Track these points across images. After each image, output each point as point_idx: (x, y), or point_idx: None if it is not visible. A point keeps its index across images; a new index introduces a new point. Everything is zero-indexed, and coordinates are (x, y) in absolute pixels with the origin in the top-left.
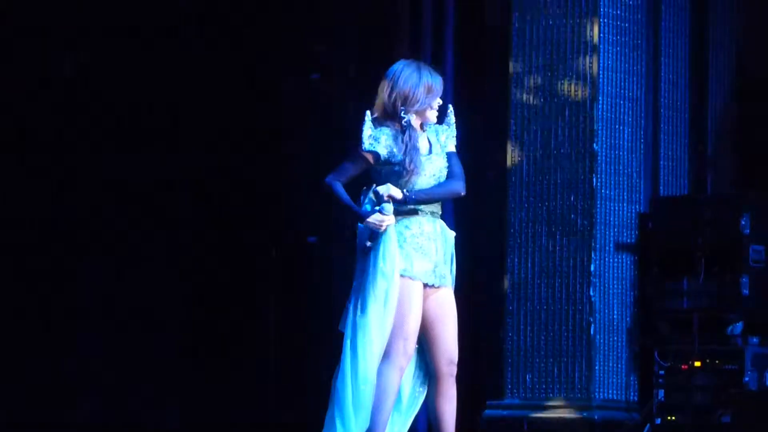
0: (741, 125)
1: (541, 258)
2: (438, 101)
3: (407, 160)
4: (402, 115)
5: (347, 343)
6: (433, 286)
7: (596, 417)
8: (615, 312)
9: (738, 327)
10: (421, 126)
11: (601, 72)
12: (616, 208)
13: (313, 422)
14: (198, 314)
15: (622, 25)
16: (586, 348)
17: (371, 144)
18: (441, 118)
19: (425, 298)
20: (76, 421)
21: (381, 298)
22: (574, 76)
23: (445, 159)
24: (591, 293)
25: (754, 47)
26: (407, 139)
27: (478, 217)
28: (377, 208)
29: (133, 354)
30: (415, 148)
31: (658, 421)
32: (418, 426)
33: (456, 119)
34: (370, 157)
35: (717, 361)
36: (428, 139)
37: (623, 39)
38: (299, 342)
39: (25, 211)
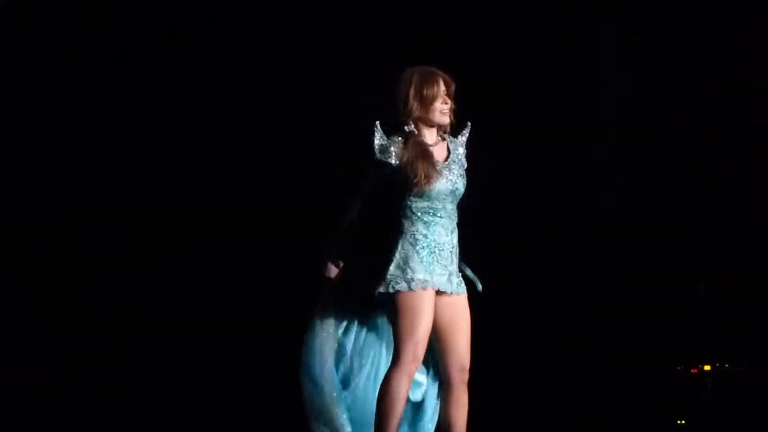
0: None
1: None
2: (442, 106)
3: (410, 171)
4: (405, 126)
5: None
6: (445, 293)
7: None
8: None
9: None
10: (440, 130)
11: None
12: None
13: None
14: (213, 321)
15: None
16: None
17: (383, 155)
18: (458, 130)
19: (440, 306)
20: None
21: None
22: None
23: (462, 170)
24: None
25: None
26: (411, 148)
27: (492, 223)
28: None
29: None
30: (422, 159)
31: None
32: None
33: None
34: (383, 168)
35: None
36: (447, 147)
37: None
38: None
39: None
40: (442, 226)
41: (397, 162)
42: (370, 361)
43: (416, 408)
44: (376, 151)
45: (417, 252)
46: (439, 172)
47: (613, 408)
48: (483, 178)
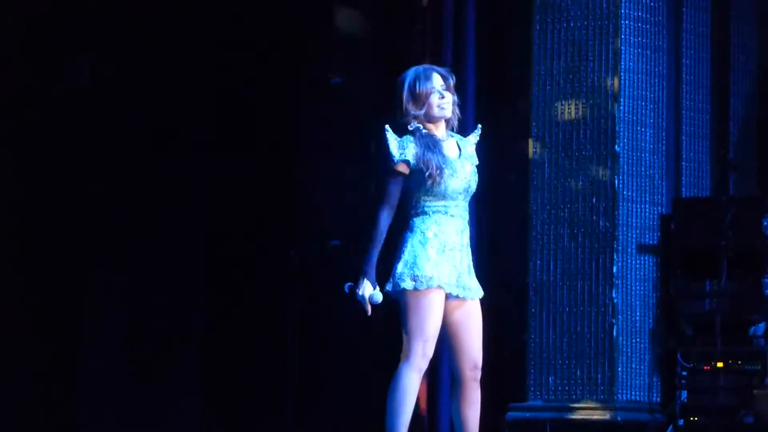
0: (763, 125)
1: (564, 260)
2: (439, 100)
3: (424, 167)
4: (408, 126)
5: None
6: (457, 297)
7: (619, 418)
8: (637, 314)
9: (761, 328)
10: (448, 127)
11: (622, 73)
12: (638, 209)
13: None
14: (218, 320)
15: (643, 26)
16: (609, 350)
17: (401, 154)
18: (464, 130)
19: (451, 310)
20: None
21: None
22: (596, 78)
23: (474, 167)
24: (613, 295)
25: None
26: (418, 143)
27: (500, 220)
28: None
29: (144, 379)
30: (433, 152)
31: (681, 422)
32: (442, 429)
33: (480, 122)
34: (405, 168)
35: (739, 362)
36: (457, 144)
37: (644, 40)
38: (322, 346)
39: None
40: (453, 225)
41: (415, 160)
42: None
43: None
44: (396, 154)
45: (426, 250)
46: (453, 169)
47: None
48: None
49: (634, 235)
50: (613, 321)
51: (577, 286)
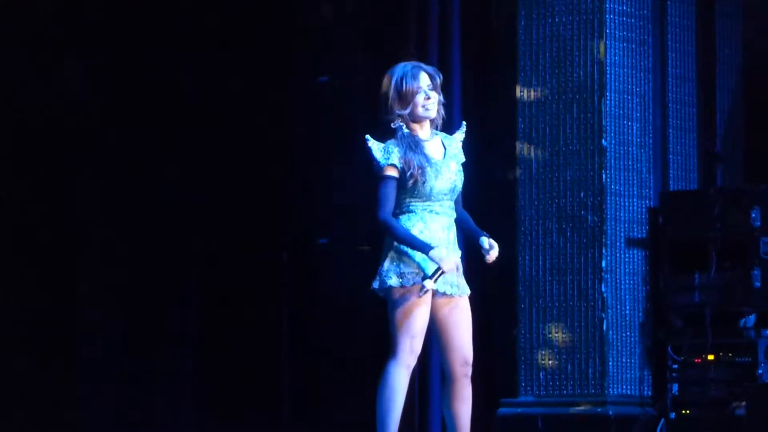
0: (750, 117)
1: (552, 255)
2: (424, 101)
3: (406, 167)
4: (392, 123)
5: None
6: (444, 294)
7: (610, 412)
8: (627, 307)
9: (751, 319)
10: (432, 126)
11: (608, 68)
12: (626, 203)
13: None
14: (209, 320)
15: (629, 20)
16: (599, 344)
17: (386, 158)
18: (450, 127)
19: (439, 307)
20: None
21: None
22: (582, 73)
23: (460, 165)
24: (603, 289)
25: (762, 38)
26: (401, 143)
27: (489, 216)
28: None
29: (143, 354)
30: (415, 152)
31: (673, 415)
32: (433, 426)
33: (466, 119)
34: (394, 171)
35: (730, 354)
36: (443, 143)
37: (630, 34)
38: (312, 347)
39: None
40: (439, 223)
41: (401, 162)
42: None
43: None
44: (381, 159)
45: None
46: (437, 169)
47: None
48: None
49: (622, 229)
50: (603, 315)
51: (566, 280)
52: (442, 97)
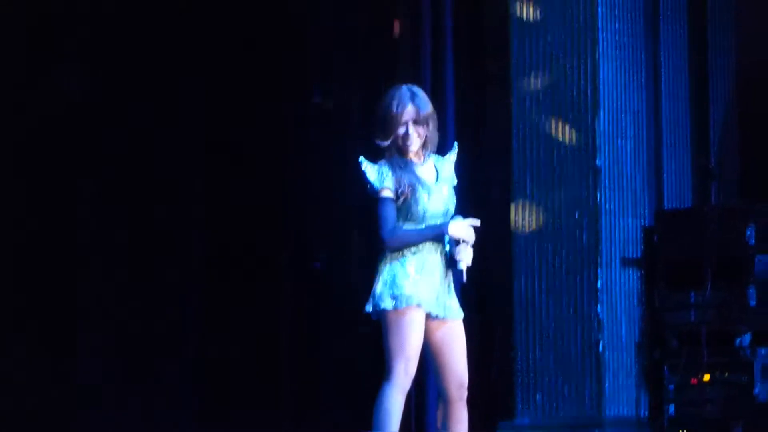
0: (744, 133)
1: (548, 276)
2: (400, 136)
3: (398, 186)
4: (383, 145)
5: None
6: (437, 317)
7: None
8: (623, 327)
9: (746, 338)
10: (425, 149)
11: (601, 86)
12: (621, 223)
13: None
14: (206, 344)
15: (621, 39)
16: (596, 365)
17: (381, 180)
18: (444, 146)
19: (432, 331)
20: None
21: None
22: (575, 92)
23: (452, 189)
24: (598, 310)
25: (755, 57)
26: (394, 167)
27: (484, 236)
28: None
29: (141, 379)
30: (404, 171)
31: None
32: None
33: (459, 140)
34: (390, 193)
35: (726, 374)
36: (435, 166)
37: (622, 52)
38: (312, 369)
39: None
40: (432, 246)
41: (394, 185)
42: None
43: None
44: (377, 182)
45: (405, 270)
46: (429, 192)
47: None
48: None
49: (617, 249)
50: (599, 336)
51: (562, 301)
52: (432, 125)
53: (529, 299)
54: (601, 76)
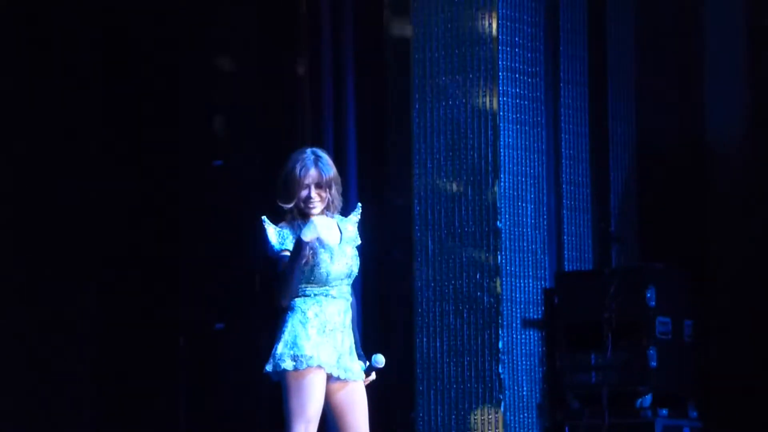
0: (643, 197)
1: (450, 336)
2: (305, 199)
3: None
4: (284, 207)
5: None
6: (339, 378)
7: None
8: (525, 388)
9: (647, 399)
10: (328, 210)
11: (501, 150)
12: (522, 284)
13: None
14: (105, 405)
15: (522, 102)
16: (497, 425)
17: (281, 243)
18: (347, 208)
19: (334, 392)
20: None
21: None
22: (476, 155)
23: (356, 250)
24: (500, 370)
25: (654, 124)
26: (296, 230)
27: (385, 297)
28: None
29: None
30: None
31: None
32: None
33: (362, 203)
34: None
35: None
36: (338, 226)
37: (523, 116)
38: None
39: None
40: (335, 306)
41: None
42: None
43: None
44: (276, 244)
45: (306, 331)
46: (332, 254)
47: None
48: None
49: (518, 310)
50: (500, 396)
51: (463, 362)
52: (335, 189)
53: (431, 359)
54: (501, 140)
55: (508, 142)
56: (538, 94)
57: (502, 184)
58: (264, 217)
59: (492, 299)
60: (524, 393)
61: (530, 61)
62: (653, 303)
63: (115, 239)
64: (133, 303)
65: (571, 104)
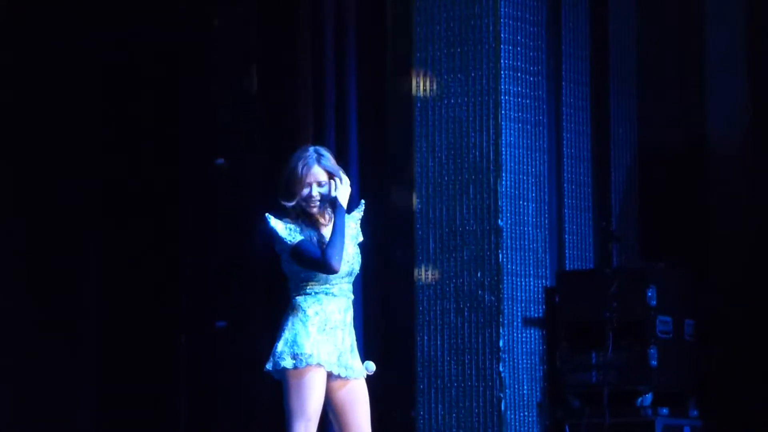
0: (645, 196)
1: (451, 335)
2: (307, 197)
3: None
4: (287, 204)
5: None
6: (339, 377)
7: None
8: (525, 387)
9: (648, 398)
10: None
11: (503, 149)
12: (523, 283)
13: None
14: (106, 405)
15: (524, 101)
16: (498, 424)
17: (293, 237)
18: (349, 205)
19: (335, 390)
20: None
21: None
22: (478, 154)
23: (357, 247)
24: (500, 369)
25: (657, 117)
26: (301, 225)
27: (387, 296)
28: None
29: None
30: (311, 232)
31: None
32: None
33: (364, 197)
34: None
35: None
36: None
37: (525, 115)
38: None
39: None
40: (336, 304)
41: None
42: None
43: None
44: (287, 237)
45: (307, 329)
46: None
47: None
48: None
49: (519, 309)
50: (501, 395)
51: (464, 360)
52: (339, 181)
53: (432, 358)
54: (503, 138)
55: (510, 141)
56: (540, 93)
57: (503, 182)
58: (268, 215)
59: (493, 298)
60: (525, 392)
61: (532, 60)
62: (654, 302)
63: (115, 239)
64: (134, 301)
65: (573, 103)
